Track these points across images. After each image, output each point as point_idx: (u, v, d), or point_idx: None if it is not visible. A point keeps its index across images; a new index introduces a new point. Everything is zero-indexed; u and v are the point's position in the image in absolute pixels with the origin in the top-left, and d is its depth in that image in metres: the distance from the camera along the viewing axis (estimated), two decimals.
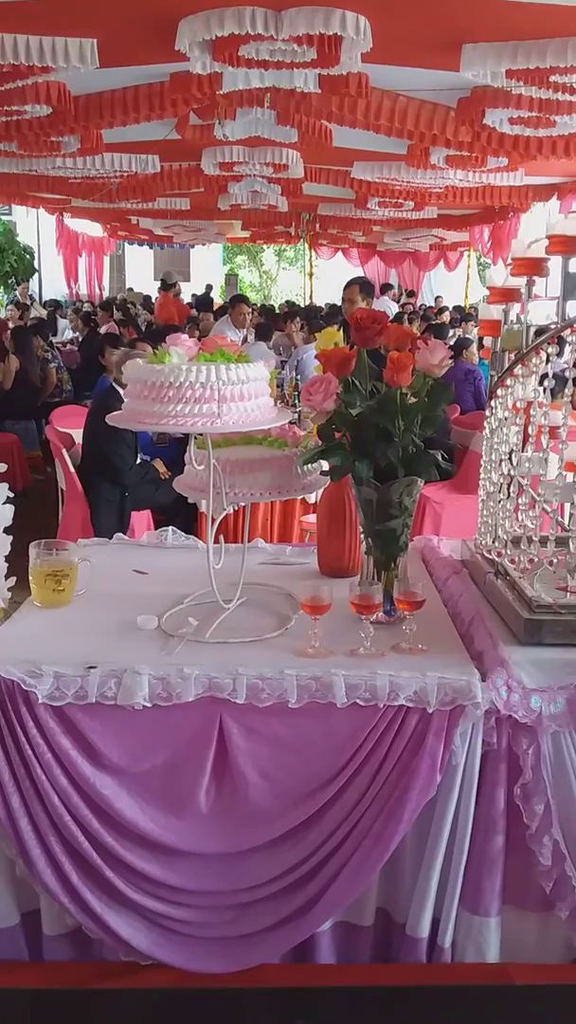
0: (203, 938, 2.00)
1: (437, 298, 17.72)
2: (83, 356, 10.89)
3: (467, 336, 10.31)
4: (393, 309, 14.01)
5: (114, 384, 5.56)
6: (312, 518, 4.60)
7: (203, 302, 15.40)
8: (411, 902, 1.99)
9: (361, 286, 6.29)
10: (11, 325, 10.31)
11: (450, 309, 15.40)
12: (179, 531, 2.88)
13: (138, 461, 5.45)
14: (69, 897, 1.95)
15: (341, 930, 2.07)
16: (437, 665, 1.98)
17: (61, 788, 1.92)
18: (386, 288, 16.55)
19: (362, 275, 10.35)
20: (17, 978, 2.01)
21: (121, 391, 5.23)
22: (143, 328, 12.09)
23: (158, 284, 16.21)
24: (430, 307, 16.46)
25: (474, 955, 2.01)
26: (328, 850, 1.95)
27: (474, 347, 8.62)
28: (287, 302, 13.10)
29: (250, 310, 10.04)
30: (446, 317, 13.89)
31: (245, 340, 9.24)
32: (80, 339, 12.50)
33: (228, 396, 2.01)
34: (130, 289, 20.97)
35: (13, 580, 2.30)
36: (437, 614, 2.29)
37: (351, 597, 2.06)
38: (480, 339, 8.84)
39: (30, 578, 2.29)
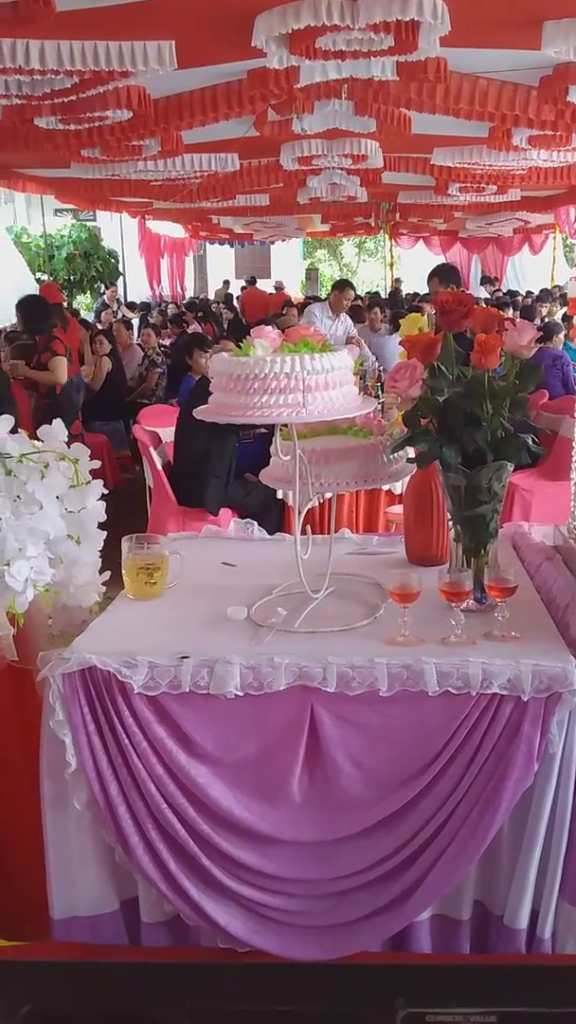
0: (301, 926, 2.01)
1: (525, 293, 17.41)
2: (172, 359, 11.01)
3: (555, 320, 10.07)
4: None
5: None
6: (397, 509, 4.56)
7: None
8: (509, 893, 1.97)
9: (440, 276, 6.14)
10: (99, 327, 10.52)
11: (534, 293, 15.08)
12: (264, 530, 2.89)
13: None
14: (167, 884, 1.99)
15: (439, 923, 2.06)
16: (531, 652, 1.94)
17: (157, 776, 1.96)
18: (486, 280, 16.38)
19: (444, 263, 10.13)
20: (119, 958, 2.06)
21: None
22: (224, 326, 12.16)
23: (242, 284, 16.25)
24: (518, 293, 16.18)
25: (575, 947, 1.97)
26: (424, 839, 1.94)
27: (561, 334, 8.40)
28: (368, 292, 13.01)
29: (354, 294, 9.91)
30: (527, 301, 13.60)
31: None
32: (171, 342, 12.63)
33: (312, 385, 2.00)
34: (226, 281, 20.84)
35: (108, 575, 2.35)
36: (530, 601, 2.25)
37: (441, 584, 2.04)
38: (569, 318, 8.62)
39: (123, 572, 2.34)
